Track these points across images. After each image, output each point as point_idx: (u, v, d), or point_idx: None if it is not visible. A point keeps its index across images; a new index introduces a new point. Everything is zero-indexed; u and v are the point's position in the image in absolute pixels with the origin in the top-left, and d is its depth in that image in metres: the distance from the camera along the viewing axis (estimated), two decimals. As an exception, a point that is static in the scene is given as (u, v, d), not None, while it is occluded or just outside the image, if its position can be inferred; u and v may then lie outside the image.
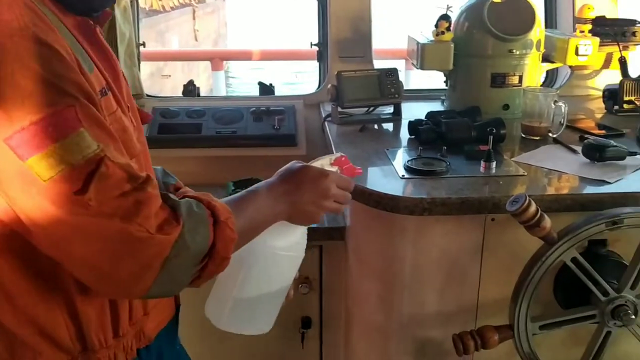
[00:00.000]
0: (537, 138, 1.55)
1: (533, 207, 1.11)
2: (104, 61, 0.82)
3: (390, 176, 1.34)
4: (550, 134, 1.55)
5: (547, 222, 1.12)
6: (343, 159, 1.00)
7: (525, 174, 1.33)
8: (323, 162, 0.98)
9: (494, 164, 1.34)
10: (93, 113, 0.69)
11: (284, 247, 0.95)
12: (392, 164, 1.40)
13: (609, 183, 1.26)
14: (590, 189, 1.26)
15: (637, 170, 1.33)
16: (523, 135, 1.58)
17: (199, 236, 0.74)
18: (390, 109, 1.79)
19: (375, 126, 1.73)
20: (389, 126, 1.73)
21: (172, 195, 0.75)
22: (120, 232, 0.68)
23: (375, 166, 1.43)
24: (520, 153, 1.47)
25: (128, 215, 0.68)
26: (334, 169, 0.97)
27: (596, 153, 1.36)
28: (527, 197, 1.11)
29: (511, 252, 1.24)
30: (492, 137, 1.35)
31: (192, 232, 0.73)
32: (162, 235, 0.70)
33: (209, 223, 0.76)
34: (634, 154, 1.38)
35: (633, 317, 1.17)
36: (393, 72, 1.77)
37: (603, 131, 1.60)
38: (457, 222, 1.25)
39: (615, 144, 1.37)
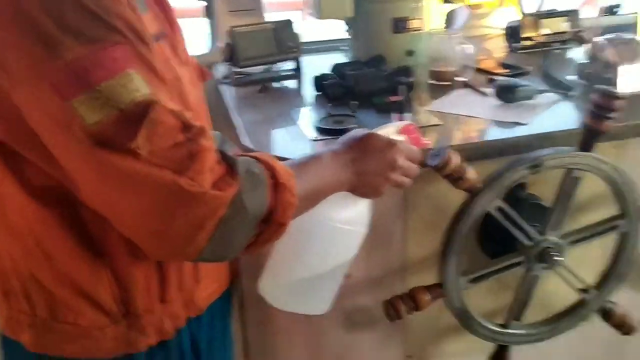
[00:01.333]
0: (446, 83, 1.49)
1: (455, 159, 1.04)
2: (161, 8, 0.78)
3: (299, 139, 1.22)
4: (458, 78, 1.49)
5: (471, 172, 1.06)
6: (411, 127, 0.92)
7: (441, 123, 1.26)
8: (389, 131, 0.89)
9: (408, 115, 1.26)
10: (144, 54, 0.63)
11: (346, 220, 0.86)
12: (299, 126, 1.29)
13: (524, 124, 1.22)
14: (507, 133, 1.21)
15: (547, 108, 1.31)
16: (431, 82, 1.52)
17: (257, 197, 0.67)
18: (290, 65, 1.66)
19: (277, 85, 1.60)
20: (291, 84, 1.61)
21: (229, 153, 0.66)
22: (171, 185, 0.61)
23: (282, 129, 1.31)
24: (431, 101, 1.40)
25: (180, 167, 0.61)
26: (401, 138, 0.89)
27: (508, 94, 1.31)
28: (448, 149, 1.04)
29: (434, 208, 1.18)
30: (404, 86, 1.27)
31: (250, 193, 0.66)
32: (217, 192, 0.63)
33: (268, 184, 0.68)
34: (543, 92, 1.35)
35: (558, 258, 1.15)
36: (288, 24, 1.63)
37: (508, 70, 1.57)
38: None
39: (524, 83, 1.33)
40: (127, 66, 0.60)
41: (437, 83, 1.50)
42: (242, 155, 0.70)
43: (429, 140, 0.94)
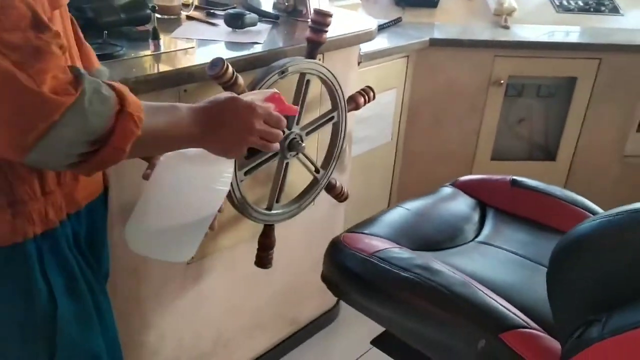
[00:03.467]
0: (173, 17, 1.65)
1: (230, 68, 1.25)
2: None
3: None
4: (184, 12, 1.66)
5: (241, 79, 1.29)
6: (277, 96, 0.94)
7: (194, 45, 1.43)
8: (255, 97, 0.91)
9: (161, 42, 1.39)
10: None
11: (202, 175, 0.90)
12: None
13: (261, 43, 1.49)
14: (252, 50, 1.46)
15: (269, 31, 1.61)
16: (159, 16, 1.64)
17: (98, 115, 0.70)
18: None
19: None
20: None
21: (82, 70, 0.67)
22: (8, 75, 0.62)
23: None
24: (166, 32, 1.54)
25: (22, 60, 0.62)
26: (267, 105, 0.91)
27: (238, 21, 1.56)
28: (224, 60, 1.24)
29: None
30: (154, 14, 1.39)
31: (91, 108, 0.69)
32: (54, 96, 0.65)
33: (113, 107, 0.72)
34: (262, 19, 1.64)
35: (302, 144, 1.49)
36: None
37: (219, 7, 1.80)
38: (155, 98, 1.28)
39: (247, 12, 1.60)
40: None
41: (164, 17, 1.64)
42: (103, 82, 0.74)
43: (295, 107, 1.00)
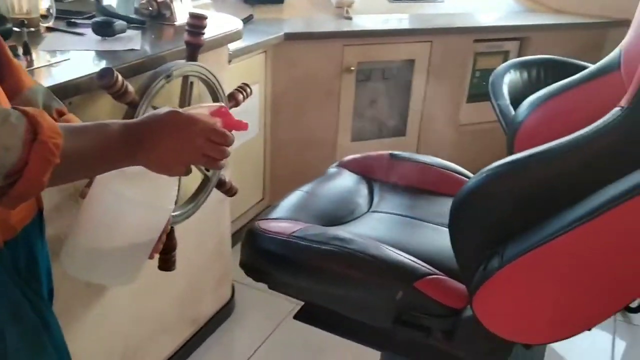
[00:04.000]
0: (33, 29, 1.58)
1: (120, 77, 1.26)
2: None
3: None
4: (43, 24, 1.60)
5: (131, 87, 1.30)
6: (223, 109, 0.87)
7: (69, 58, 1.40)
8: (200, 112, 0.84)
9: (33, 56, 1.35)
10: None
11: (142, 194, 0.84)
12: None
13: (138, 49, 1.50)
14: (134, 56, 1.46)
15: (139, 38, 1.61)
16: (16, 29, 1.56)
17: (6, 148, 0.66)
18: None
19: None
20: None
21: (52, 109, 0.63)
22: None
23: None
24: (32, 45, 1.48)
25: None
26: (213, 120, 0.84)
27: (108, 29, 1.55)
28: (113, 69, 1.24)
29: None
30: (24, 29, 1.34)
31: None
32: None
33: (23, 137, 0.68)
34: (131, 26, 1.64)
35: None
36: None
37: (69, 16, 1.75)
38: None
39: (115, 20, 1.59)
40: None
41: (26, 30, 1.57)
42: (15, 108, 0.70)
43: (245, 122, 0.91)
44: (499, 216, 0.95)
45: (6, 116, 0.67)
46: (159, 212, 0.92)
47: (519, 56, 3.06)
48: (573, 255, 0.86)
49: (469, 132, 3.17)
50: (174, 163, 0.82)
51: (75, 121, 0.94)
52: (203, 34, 1.49)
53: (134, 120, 0.83)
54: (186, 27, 1.48)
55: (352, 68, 2.69)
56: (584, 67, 1.53)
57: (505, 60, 3.03)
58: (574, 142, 0.88)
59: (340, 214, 1.34)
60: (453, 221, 0.99)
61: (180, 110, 0.84)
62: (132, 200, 0.87)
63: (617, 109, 0.86)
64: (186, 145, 0.81)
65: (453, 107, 3.10)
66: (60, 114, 0.99)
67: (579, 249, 0.86)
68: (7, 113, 0.68)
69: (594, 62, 1.48)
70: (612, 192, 0.82)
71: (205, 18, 1.48)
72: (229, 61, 1.94)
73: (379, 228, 1.31)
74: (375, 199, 1.46)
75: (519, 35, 3.10)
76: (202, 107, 0.88)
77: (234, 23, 1.86)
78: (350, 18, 2.84)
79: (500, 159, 0.97)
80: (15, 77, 0.93)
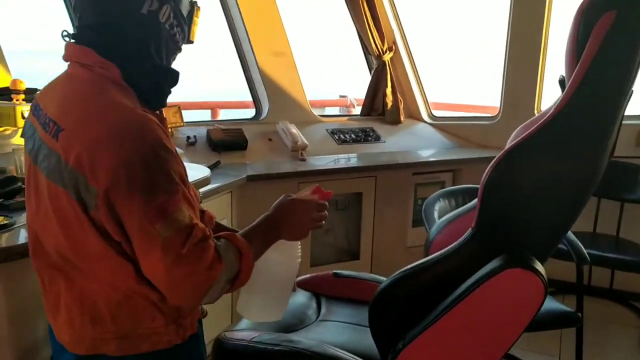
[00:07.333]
0: None
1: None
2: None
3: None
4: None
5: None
6: (317, 187, 1.32)
7: None
8: (303, 193, 1.31)
9: None
10: (185, 192, 1.06)
11: (278, 257, 1.29)
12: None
13: None
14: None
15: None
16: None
17: (232, 269, 1.11)
18: None
19: None
20: None
21: (215, 241, 1.07)
22: (194, 271, 1.05)
23: None
24: None
25: (198, 261, 1.04)
26: (313, 196, 1.29)
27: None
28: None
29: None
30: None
31: (227, 267, 1.09)
32: (212, 272, 1.07)
33: (237, 259, 1.12)
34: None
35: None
36: None
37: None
38: None
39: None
40: (180, 203, 1.04)
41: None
42: (219, 236, 1.13)
43: (331, 191, 1.35)
44: (402, 311, 1.29)
45: (227, 248, 1.11)
46: (295, 261, 1.35)
47: (453, 184, 3.53)
48: (451, 332, 1.19)
49: (416, 253, 3.51)
50: (300, 232, 1.30)
51: (211, 216, 1.42)
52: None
53: (271, 211, 1.28)
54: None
55: (308, 202, 3.08)
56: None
57: (442, 188, 3.49)
58: (445, 254, 1.25)
59: (292, 322, 1.65)
60: (371, 315, 1.32)
61: (293, 195, 1.32)
62: (275, 259, 1.29)
63: (469, 229, 1.24)
64: (305, 219, 1.29)
65: (400, 231, 3.49)
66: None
67: (454, 327, 1.19)
68: (225, 246, 1.11)
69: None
70: (457, 293, 1.17)
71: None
72: (200, 201, 2.30)
73: (325, 332, 1.61)
74: (323, 310, 1.77)
75: (452, 168, 3.60)
76: (304, 191, 1.34)
77: (203, 171, 2.25)
78: (304, 159, 3.30)
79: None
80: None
